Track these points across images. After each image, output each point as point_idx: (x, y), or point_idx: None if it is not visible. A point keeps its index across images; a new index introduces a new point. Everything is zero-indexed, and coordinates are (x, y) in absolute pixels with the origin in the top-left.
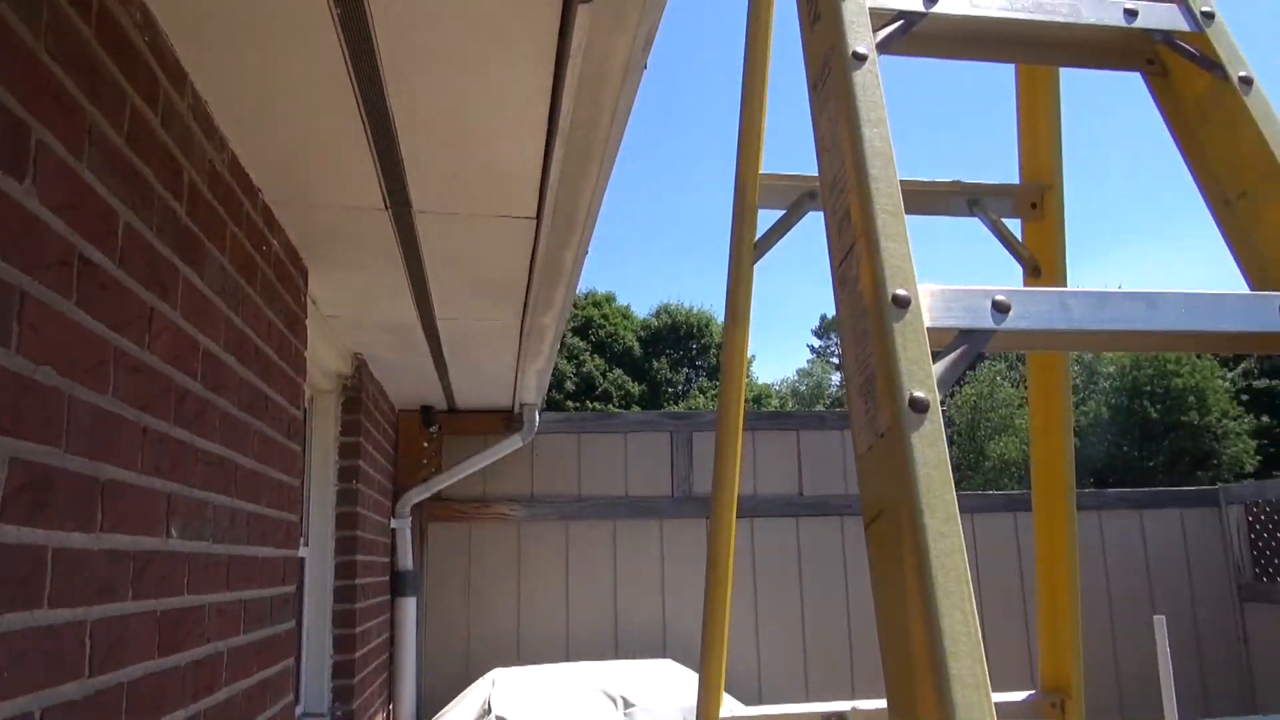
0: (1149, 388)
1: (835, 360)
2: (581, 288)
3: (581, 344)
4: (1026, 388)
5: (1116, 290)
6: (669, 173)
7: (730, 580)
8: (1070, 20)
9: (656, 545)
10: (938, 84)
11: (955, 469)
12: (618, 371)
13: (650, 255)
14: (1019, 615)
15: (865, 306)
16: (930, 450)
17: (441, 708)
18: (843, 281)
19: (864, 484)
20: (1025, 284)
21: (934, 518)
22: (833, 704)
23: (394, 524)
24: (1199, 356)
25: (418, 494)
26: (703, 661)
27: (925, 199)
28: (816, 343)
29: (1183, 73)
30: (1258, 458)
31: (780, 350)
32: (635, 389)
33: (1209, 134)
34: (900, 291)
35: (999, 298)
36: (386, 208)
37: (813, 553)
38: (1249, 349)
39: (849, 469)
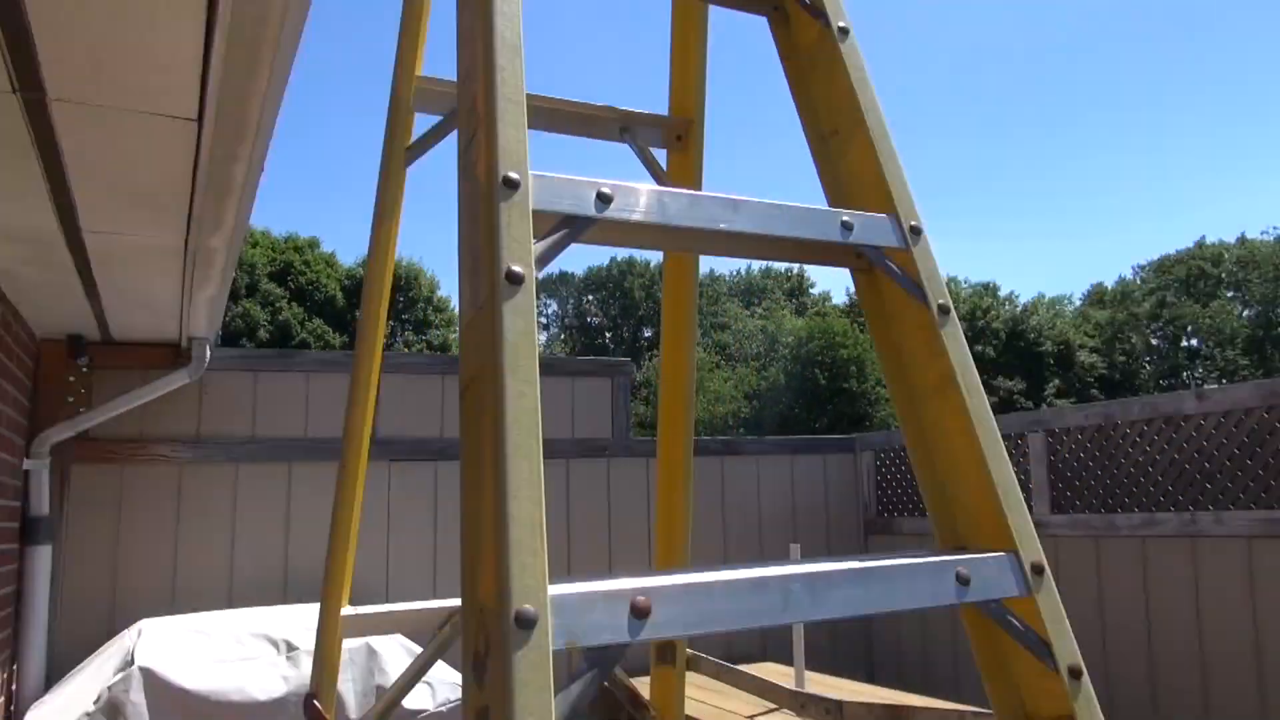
0: (819, 357)
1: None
2: (280, 230)
3: (278, 290)
4: (716, 352)
5: (705, 193)
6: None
7: (360, 488)
8: None
9: (333, 487)
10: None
11: (647, 426)
12: (318, 321)
13: (359, 203)
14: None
15: (480, 189)
16: (519, 319)
17: (79, 665)
18: (465, 169)
19: (463, 355)
20: None
21: (515, 379)
22: (454, 601)
23: (28, 465)
24: (862, 331)
25: (59, 433)
26: (328, 570)
27: (581, 121)
28: None
29: (800, 21)
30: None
31: None
32: (336, 340)
33: (815, 78)
34: (512, 174)
35: (604, 190)
36: (15, 91)
37: (450, 493)
38: (814, 258)
39: None
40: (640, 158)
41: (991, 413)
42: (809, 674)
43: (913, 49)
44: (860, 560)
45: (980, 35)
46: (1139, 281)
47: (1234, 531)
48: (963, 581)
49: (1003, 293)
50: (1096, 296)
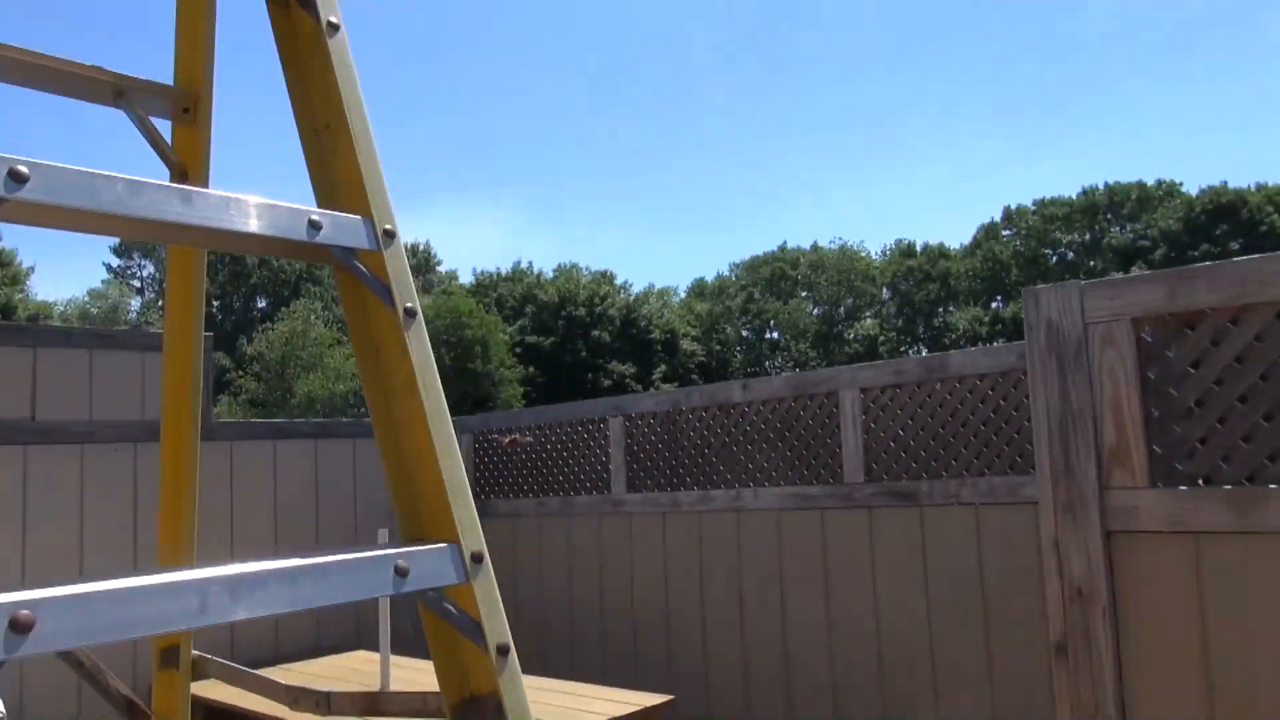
0: (446, 336)
1: (137, 283)
2: None
3: None
4: (337, 328)
5: (152, 181)
6: None
7: None
8: None
9: None
10: None
11: (261, 405)
12: None
13: None
14: (270, 537)
15: None
16: None
17: None
18: None
19: None
20: None
21: None
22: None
23: None
24: (487, 311)
25: None
26: None
27: (67, 81)
28: (115, 262)
29: (299, 10)
30: (523, 401)
31: (68, 266)
32: None
33: (311, 70)
34: None
35: (20, 168)
36: None
37: (46, 481)
38: (287, 254)
39: (96, 393)
40: (139, 127)
41: (447, 412)
42: (399, 658)
43: (543, 41)
44: (298, 558)
45: (599, 37)
46: (734, 278)
47: (768, 505)
48: (401, 574)
49: (619, 281)
50: (698, 290)
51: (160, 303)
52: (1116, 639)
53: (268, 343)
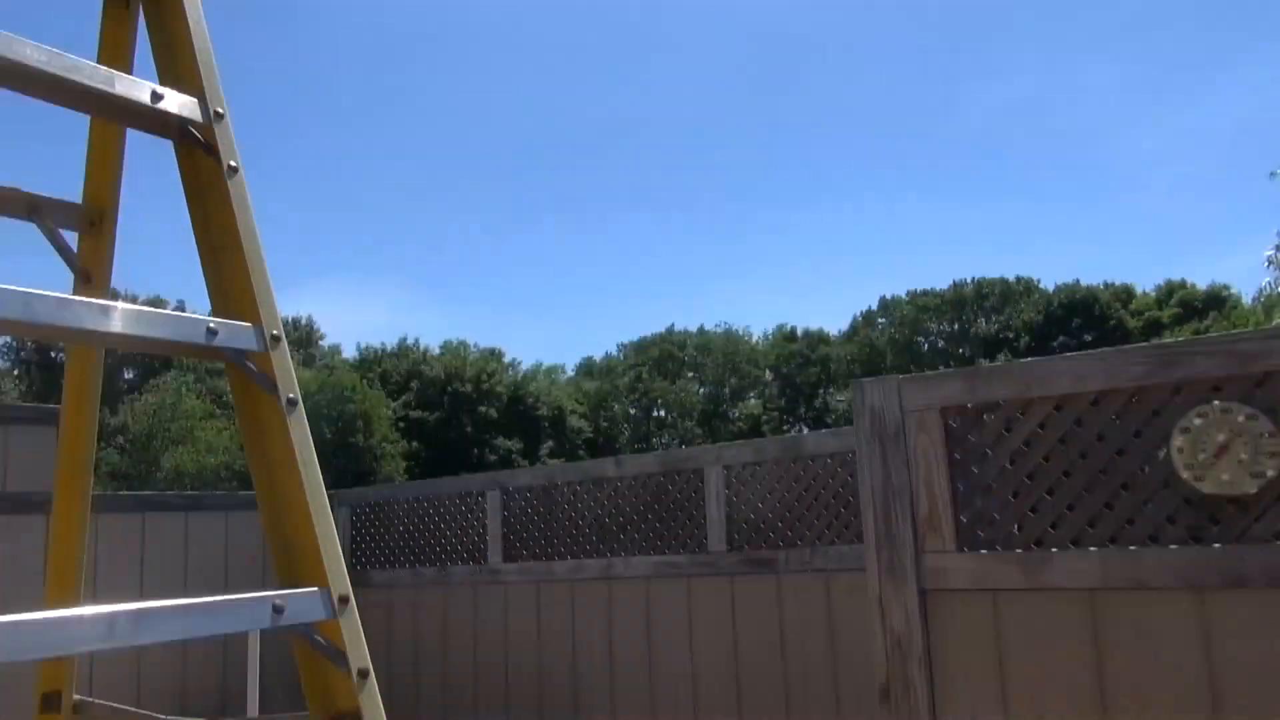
0: (327, 411)
1: None
2: None
3: None
4: (211, 400)
5: (77, 298)
6: None
7: None
8: (105, 88)
9: None
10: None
11: (124, 478)
12: None
13: None
14: None
15: None
16: None
17: None
18: None
19: None
20: (76, 290)
21: None
22: None
23: None
24: (371, 386)
25: None
26: None
27: None
28: None
29: (203, 154)
30: (405, 475)
31: None
32: None
33: (210, 201)
34: None
35: None
36: None
37: None
38: (188, 355)
39: None
40: (48, 238)
41: (321, 481)
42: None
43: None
44: (190, 598)
45: (488, 117)
46: (622, 358)
47: (638, 573)
48: (278, 611)
49: (507, 358)
50: (587, 369)
51: (16, 371)
52: (931, 683)
53: (133, 415)
